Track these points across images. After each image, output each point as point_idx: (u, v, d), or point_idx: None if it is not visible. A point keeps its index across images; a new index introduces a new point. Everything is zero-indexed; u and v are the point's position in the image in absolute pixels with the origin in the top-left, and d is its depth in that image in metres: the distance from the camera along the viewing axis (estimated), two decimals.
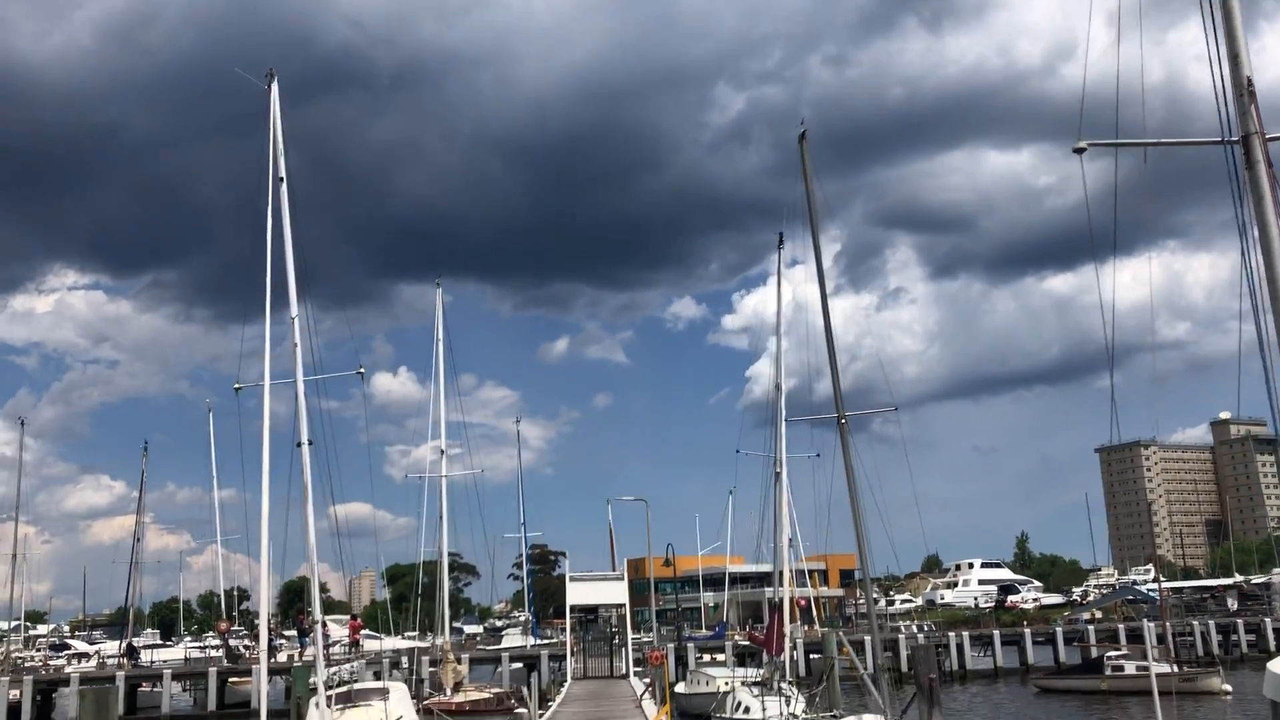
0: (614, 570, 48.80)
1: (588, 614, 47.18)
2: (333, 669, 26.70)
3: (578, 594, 41.59)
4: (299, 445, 20.94)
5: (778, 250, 31.96)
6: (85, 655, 61.68)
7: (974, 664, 53.89)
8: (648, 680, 32.56)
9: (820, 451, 26.38)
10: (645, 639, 53.70)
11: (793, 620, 53.06)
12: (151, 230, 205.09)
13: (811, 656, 45.58)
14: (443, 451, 39.41)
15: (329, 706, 19.64)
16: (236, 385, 21.67)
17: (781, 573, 31.61)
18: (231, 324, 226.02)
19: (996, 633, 55.87)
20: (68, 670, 51.14)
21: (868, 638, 42.08)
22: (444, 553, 39.20)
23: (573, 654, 41.78)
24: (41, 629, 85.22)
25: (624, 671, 39.51)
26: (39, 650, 65.80)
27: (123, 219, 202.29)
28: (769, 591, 67.17)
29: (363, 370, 24.72)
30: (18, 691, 44.35)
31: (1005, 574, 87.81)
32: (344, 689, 22.45)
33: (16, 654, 58.83)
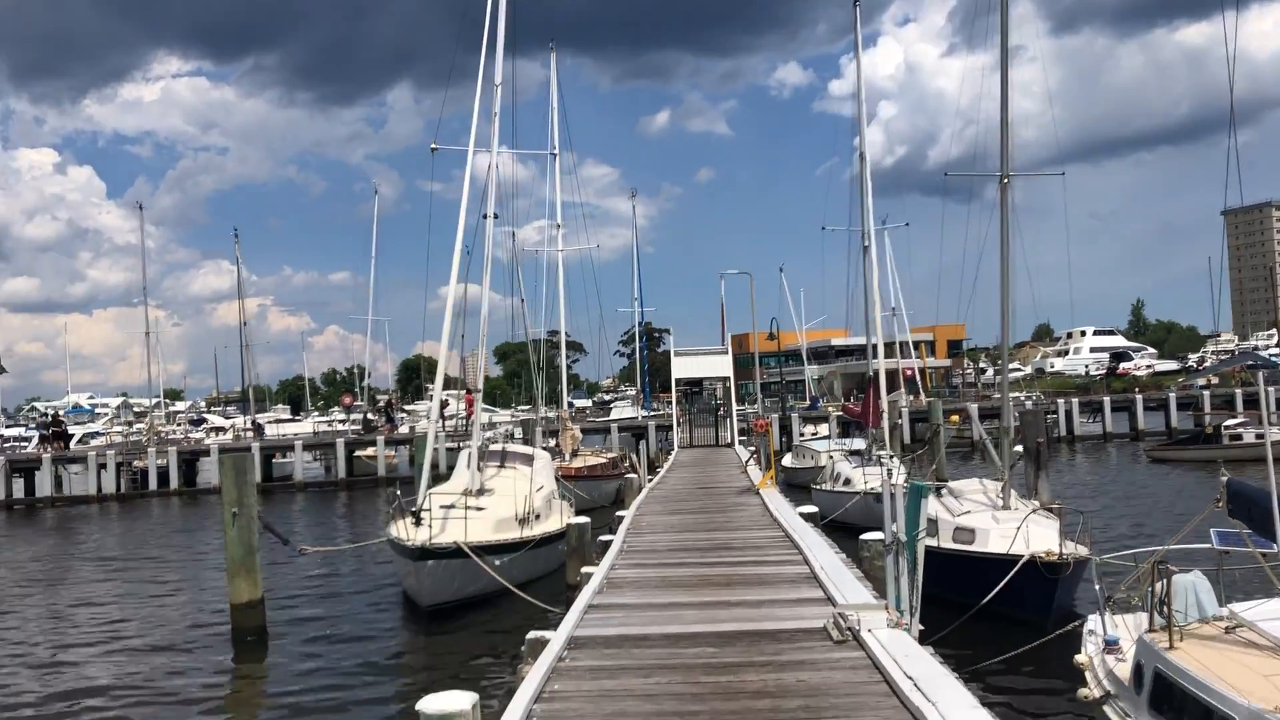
0: (721, 344, 49.16)
1: (693, 387, 48.00)
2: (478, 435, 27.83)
3: (683, 368, 42.21)
4: (484, 217, 21.35)
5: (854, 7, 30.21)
6: (221, 429, 65.66)
7: (1082, 429, 53.67)
8: (753, 449, 33.29)
9: (909, 221, 25.73)
10: (750, 410, 54.68)
11: (897, 391, 53.28)
12: (249, 13, 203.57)
13: (917, 426, 45.92)
14: (559, 227, 39.54)
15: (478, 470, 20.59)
16: (433, 146, 21.80)
17: (875, 345, 31.31)
18: (333, 106, 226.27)
19: (1107, 399, 55.30)
20: (206, 442, 54.68)
21: (974, 405, 42.14)
22: (562, 328, 39.90)
23: (679, 425, 42.82)
24: (179, 405, 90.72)
25: (729, 441, 40.45)
26: (179, 425, 70.25)
27: (219, 2, 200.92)
28: (876, 363, 67.25)
29: (555, 151, 25.15)
30: (164, 460, 47.87)
31: (1118, 341, 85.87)
32: (497, 448, 23.51)
33: (160, 427, 62.92)
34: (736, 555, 13.25)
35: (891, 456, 24.96)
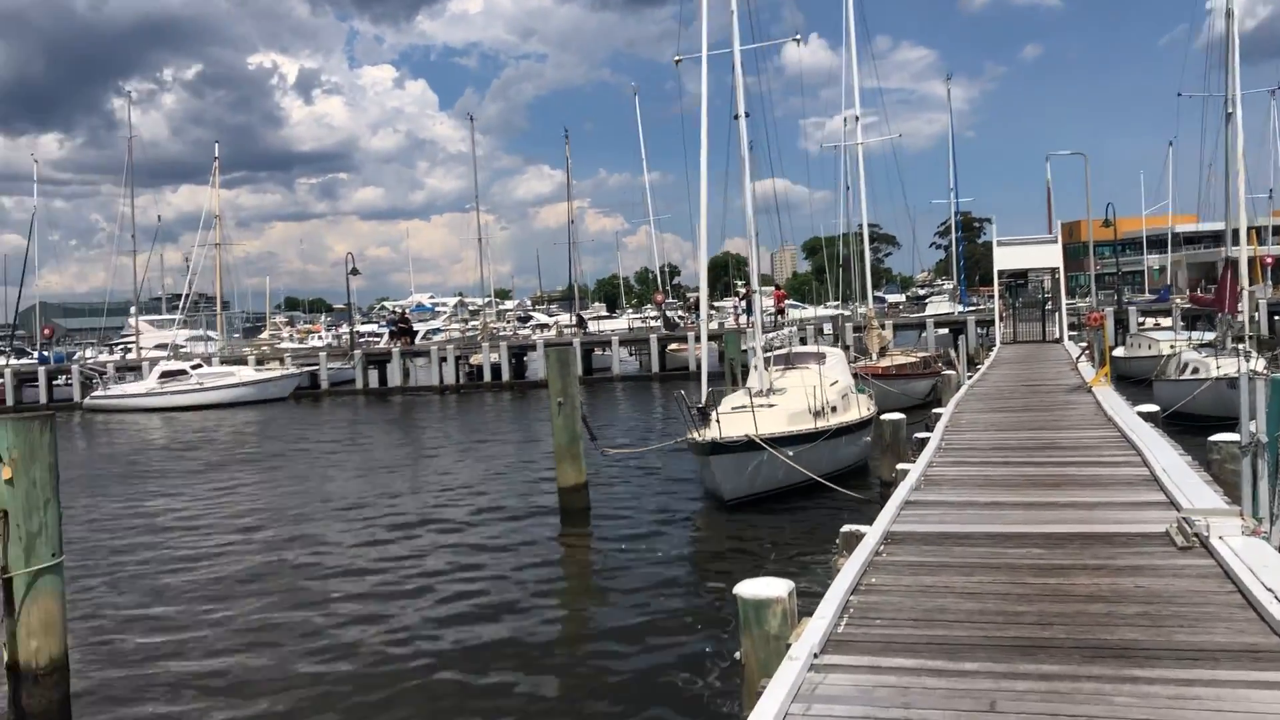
0: (1048, 232, 46.08)
1: (1017, 279, 45.45)
2: (766, 335, 28.00)
3: (1006, 259, 39.90)
4: (735, 118, 21.11)
5: None
6: (545, 325, 69.56)
7: None
8: (1083, 344, 31.16)
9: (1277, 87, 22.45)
10: (1080, 304, 51.17)
11: (1254, 281, 47.88)
12: None
13: (1275, 318, 41.27)
14: (857, 119, 38.17)
15: (767, 369, 20.64)
16: (676, 58, 21.78)
17: (1235, 229, 27.98)
18: (644, 6, 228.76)
19: None
20: (533, 338, 58.24)
21: None
22: (864, 222, 38.89)
23: (1001, 320, 40.77)
24: (508, 304, 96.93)
25: (1057, 336, 38.11)
26: (508, 322, 75.08)
27: None
28: (1224, 251, 60.80)
29: (799, 38, 24.48)
30: (496, 354, 51.56)
31: None
32: (782, 352, 23.41)
33: (491, 324, 67.55)
34: (1065, 455, 12.49)
35: (1248, 351, 22.53)
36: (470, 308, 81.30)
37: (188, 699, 9.45)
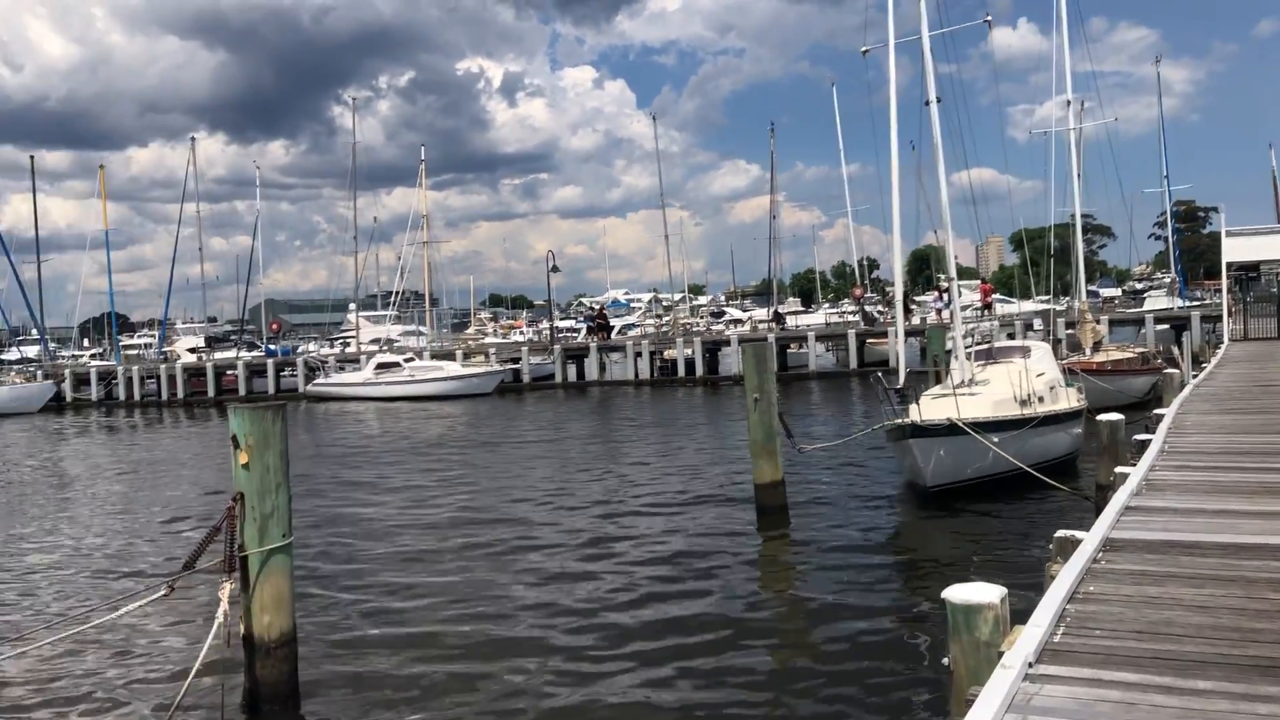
0: (1277, 222, 42.66)
1: (1248, 272, 42.21)
2: (967, 327, 27.17)
3: (1236, 250, 37.13)
4: (926, 104, 20.59)
5: None
6: (739, 320, 69.47)
7: None
8: None
9: None
10: None
11: None
12: None
13: None
14: (1068, 103, 36.34)
15: (970, 361, 20.02)
16: (864, 48, 21.44)
17: None
18: None
19: None
20: (727, 333, 58.26)
21: None
22: (1077, 211, 37.00)
23: (1230, 315, 37.97)
24: (701, 299, 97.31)
25: None
26: (701, 317, 75.42)
27: None
28: None
29: (990, 19, 23.65)
30: (690, 350, 51.87)
31: None
32: (984, 346, 22.70)
33: (684, 320, 67.99)
34: None
35: None
36: (664, 303, 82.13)
37: (404, 674, 9.92)
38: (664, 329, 65.19)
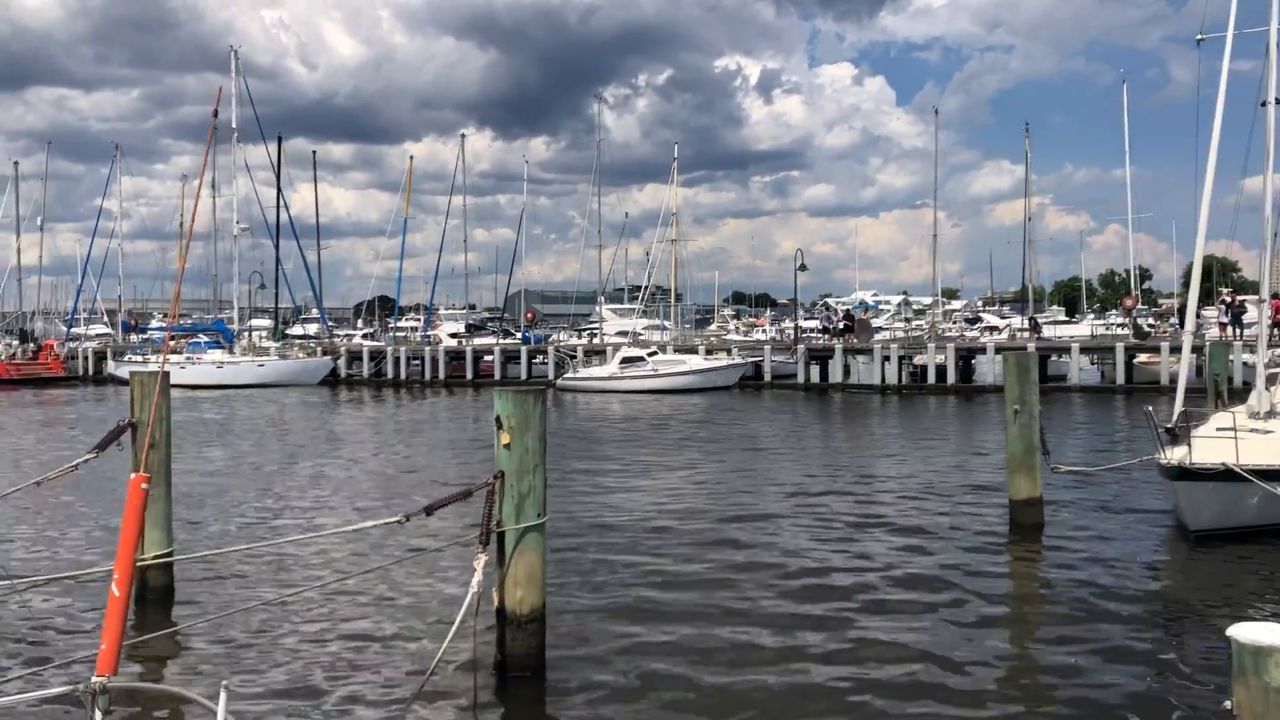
0: None
1: None
2: (1271, 350, 24.80)
3: None
4: (1264, 104, 18.97)
5: None
6: (995, 328, 66.66)
7: None
8: None
9: None
10: None
11: None
12: None
13: None
14: None
15: (1270, 388, 18.24)
16: (1199, 36, 19.90)
17: None
18: None
19: None
20: (982, 340, 55.99)
21: None
22: None
23: None
24: (955, 304, 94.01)
25: None
26: (955, 323, 72.86)
27: None
28: None
29: None
30: (943, 356, 50.15)
31: None
32: (1276, 369, 20.66)
33: (938, 325, 65.84)
34: None
35: None
36: (915, 307, 79.88)
37: (644, 657, 10.07)
38: (915, 333, 63.41)
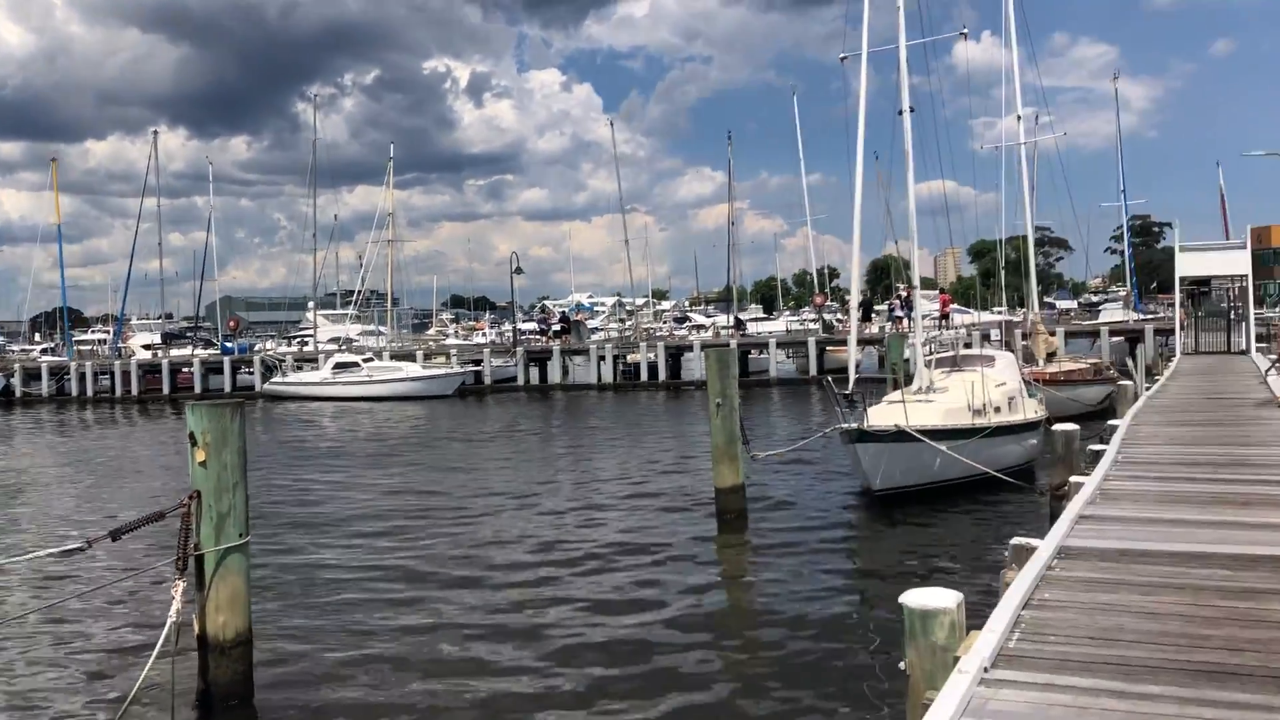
0: (1224, 238, 43.53)
1: (1200, 287, 43.02)
2: (929, 335, 27.39)
3: (1188, 265, 37.85)
4: (899, 113, 20.86)
5: None
6: (702, 326, 69.66)
7: None
8: (1274, 357, 29.28)
9: None
10: (1271, 314, 48.11)
11: None
12: None
13: None
14: (1018, 118, 36.66)
15: (933, 370, 20.30)
16: (842, 55, 21.60)
17: None
18: (812, 7, 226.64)
19: None
20: (690, 338, 58.43)
21: None
22: (1029, 225, 37.38)
23: (1182, 329, 38.67)
24: (665, 304, 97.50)
25: (1243, 347, 35.90)
26: (664, 322, 75.54)
27: None
28: None
29: (965, 31, 23.97)
30: (653, 354, 51.96)
31: None
32: (950, 354, 22.97)
33: (647, 324, 68.08)
34: (1255, 473, 11.75)
35: None
36: (628, 308, 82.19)
37: (360, 677, 9.85)
38: (627, 333, 65.21)
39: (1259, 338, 36.73)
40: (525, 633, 11.10)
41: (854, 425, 16.43)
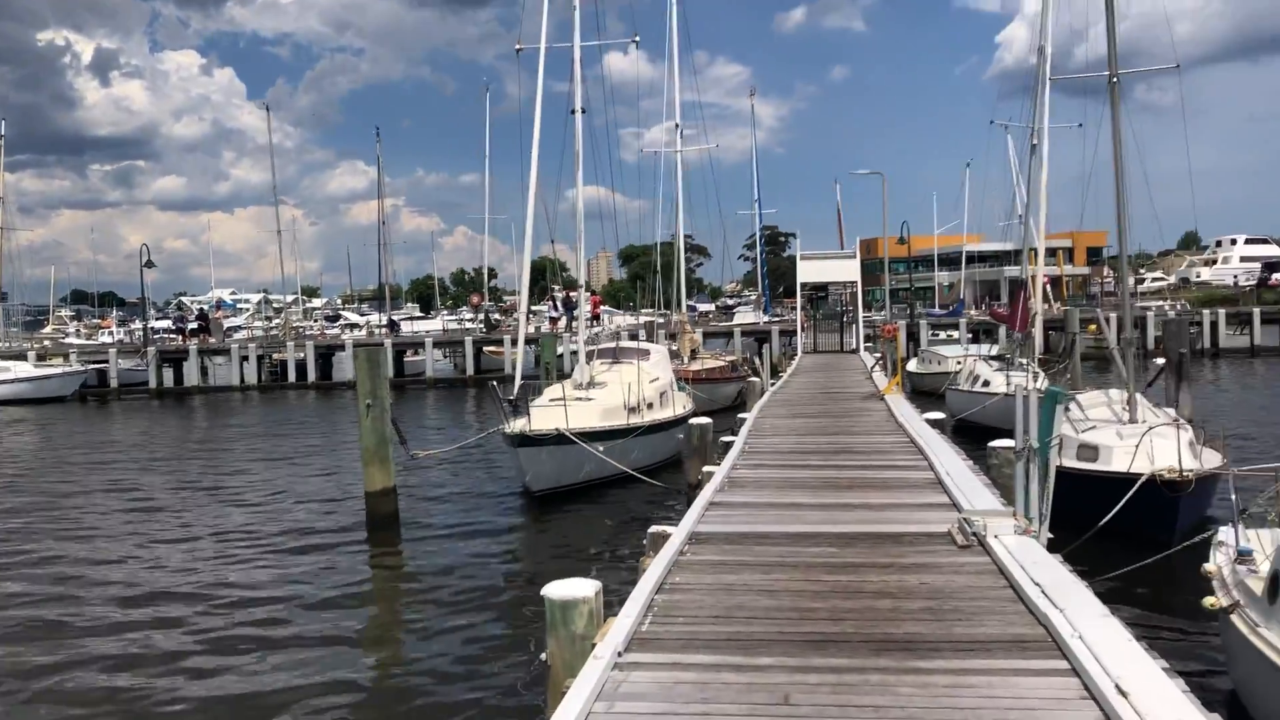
0: (840, 249, 48.30)
1: (818, 292, 47.35)
2: (589, 332, 28.11)
3: (808, 272, 41.56)
4: (572, 113, 21.20)
5: None
6: (356, 325, 67.82)
7: (1229, 342, 51.30)
8: (878, 354, 32.76)
9: (1083, 122, 24.58)
10: (876, 317, 53.78)
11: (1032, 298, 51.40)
12: None
13: (1051, 335, 44.42)
14: (677, 125, 38.58)
15: (588, 362, 20.92)
16: (518, 46, 21.56)
17: (1034, 249, 29.63)
18: (465, 8, 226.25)
19: (1256, 310, 52.60)
20: (342, 337, 56.68)
21: (1113, 314, 40.52)
22: (679, 231, 39.40)
23: (803, 330, 42.39)
24: (315, 302, 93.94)
25: (854, 347, 39.92)
26: (315, 320, 72.77)
27: None
28: (1009, 270, 65.20)
29: (637, 39, 24.79)
30: (301, 353, 49.88)
31: (1272, 250, 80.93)
32: (610, 346, 23.65)
33: (296, 323, 65.30)
34: (860, 459, 13.12)
35: (1031, 363, 24.18)
36: (275, 305, 78.47)
37: None
38: (274, 332, 62.19)
39: (867, 338, 40.97)
40: (157, 644, 10.35)
41: (516, 429, 16.64)
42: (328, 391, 47.28)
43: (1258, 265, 72.17)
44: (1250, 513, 8.68)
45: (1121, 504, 11.72)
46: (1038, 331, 34.20)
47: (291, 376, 49.34)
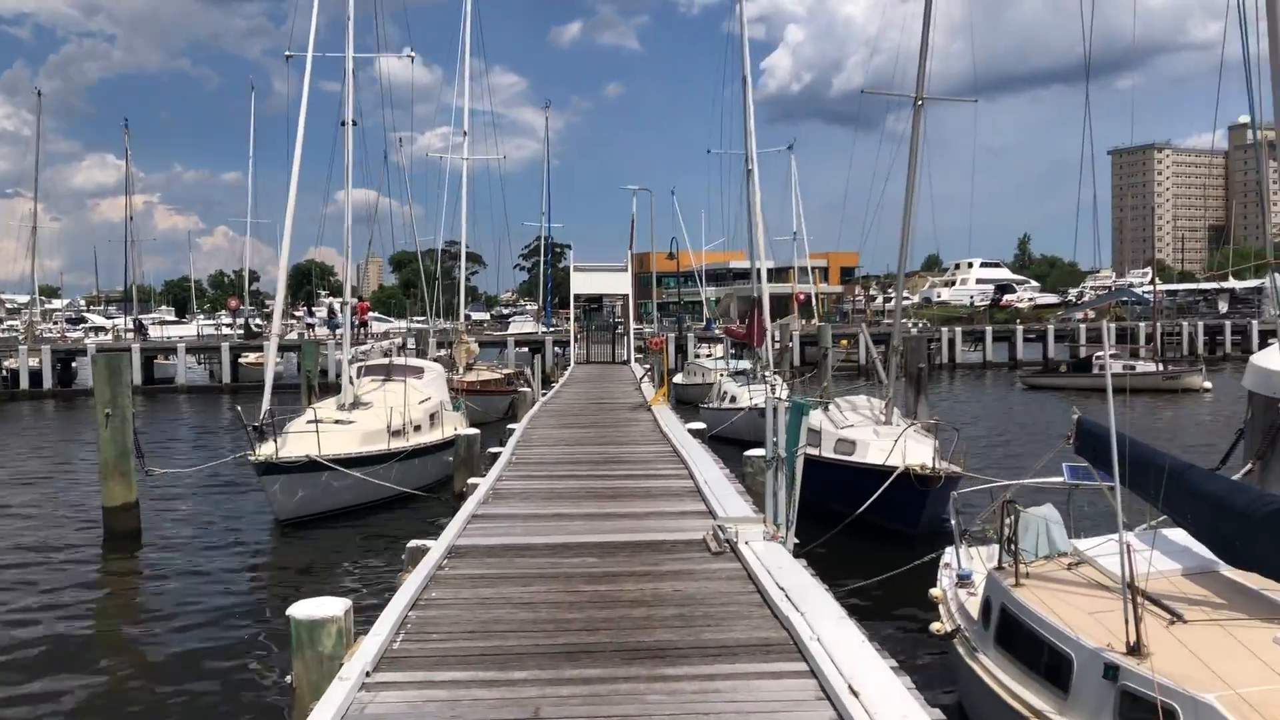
0: (629, 259, 49.06)
1: (592, 303, 47.91)
2: (359, 347, 27.16)
3: (582, 284, 42.00)
4: (343, 124, 20.49)
5: None
6: (102, 329, 63.30)
7: (964, 358, 55.44)
8: (648, 366, 33.45)
9: (791, 144, 26.00)
10: (647, 329, 54.91)
11: (789, 314, 54.11)
12: None
13: (808, 349, 46.70)
14: (465, 133, 37.83)
15: (357, 379, 20.13)
16: (288, 53, 20.58)
17: (759, 269, 30.71)
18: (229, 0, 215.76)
19: (989, 329, 57.07)
20: (86, 342, 52.63)
21: (864, 329, 43.01)
22: (464, 239, 38.67)
23: (576, 341, 42.78)
24: (56, 304, 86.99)
25: (625, 358, 40.61)
26: (56, 323, 67.42)
27: None
28: (741, 289, 68.04)
29: (413, 54, 24.26)
30: (38, 359, 45.93)
31: (1004, 274, 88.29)
32: (382, 362, 22.80)
33: (36, 325, 60.22)
34: (625, 469, 13.34)
35: (776, 375, 25.27)
36: (9, 306, 72.24)
37: None
38: (8, 335, 57.13)
39: (637, 350, 41.78)
40: None
41: (263, 456, 15.64)
42: (69, 400, 43.79)
43: (991, 287, 78.57)
44: (972, 532, 9.21)
45: (876, 495, 12.57)
46: (795, 345, 35.80)
47: (25, 384, 45.37)
